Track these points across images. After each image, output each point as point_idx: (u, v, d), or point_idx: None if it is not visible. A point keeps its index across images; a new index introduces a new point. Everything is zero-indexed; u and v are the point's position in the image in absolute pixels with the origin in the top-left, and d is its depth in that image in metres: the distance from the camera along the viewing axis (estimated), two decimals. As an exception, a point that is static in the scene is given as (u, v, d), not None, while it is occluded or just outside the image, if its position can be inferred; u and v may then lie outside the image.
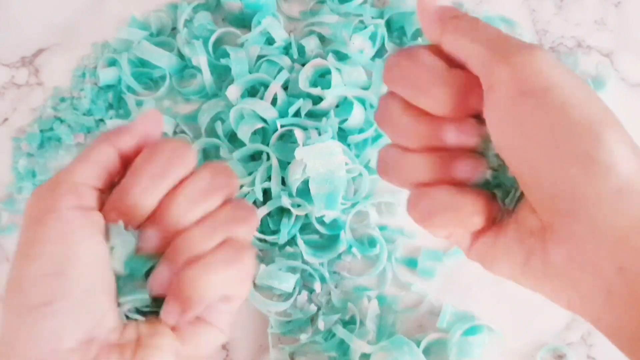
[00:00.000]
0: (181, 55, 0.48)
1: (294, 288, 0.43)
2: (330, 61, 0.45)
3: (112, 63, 0.48)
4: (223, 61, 0.47)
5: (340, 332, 0.42)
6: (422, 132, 0.28)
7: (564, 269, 0.25)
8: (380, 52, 0.48)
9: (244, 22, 0.49)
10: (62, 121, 0.47)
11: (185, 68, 0.48)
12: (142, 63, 0.48)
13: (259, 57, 0.47)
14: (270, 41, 0.48)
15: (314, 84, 0.46)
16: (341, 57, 0.46)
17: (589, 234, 0.24)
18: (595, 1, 0.50)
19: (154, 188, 0.28)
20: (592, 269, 0.24)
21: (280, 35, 0.47)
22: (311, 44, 0.47)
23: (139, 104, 0.47)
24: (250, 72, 0.46)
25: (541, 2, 0.50)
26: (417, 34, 0.48)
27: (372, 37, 0.47)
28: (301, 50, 0.47)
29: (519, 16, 0.49)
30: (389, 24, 0.48)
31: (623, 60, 0.49)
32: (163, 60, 0.47)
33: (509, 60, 0.25)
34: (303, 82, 0.45)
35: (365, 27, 0.47)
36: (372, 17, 0.48)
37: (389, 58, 0.29)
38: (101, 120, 0.47)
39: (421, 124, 0.28)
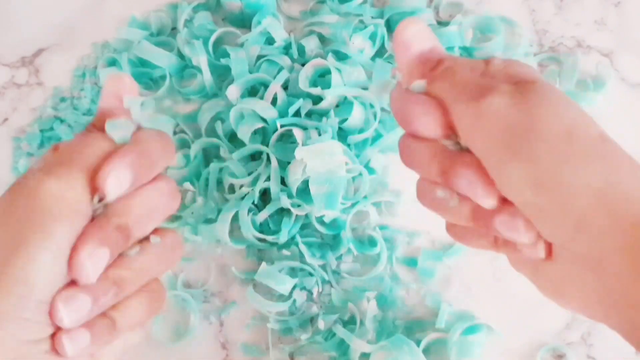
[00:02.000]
0: (181, 55, 0.48)
1: (293, 289, 0.43)
2: (330, 61, 0.45)
3: (112, 63, 0.48)
4: (223, 61, 0.47)
5: (340, 331, 0.42)
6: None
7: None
8: (380, 52, 0.48)
9: (244, 22, 0.49)
10: (62, 121, 0.47)
11: (185, 68, 0.48)
12: (142, 63, 0.48)
13: (259, 57, 0.47)
14: (270, 41, 0.48)
15: (314, 84, 0.46)
16: (341, 57, 0.46)
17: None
18: (595, 1, 0.50)
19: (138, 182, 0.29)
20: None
21: (280, 35, 0.47)
22: (311, 44, 0.47)
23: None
24: (250, 72, 0.46)
25: (541, 2, 0.50)
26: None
27: (372, 37, 0.47)
28: (301, 50, 0.47)
29: (519, 16, 0.49)
30: (389, 24, 0.48)
31: (623, 60, 0.49)
32: (163, 60, 0.47)
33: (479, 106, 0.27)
34: (303, 82, 0.45)
35: (365, 27, 0.47)
36: (372, 17, 0.48)
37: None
38: (101, 120, 0.47)
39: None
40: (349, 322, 0.43)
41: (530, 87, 0.27)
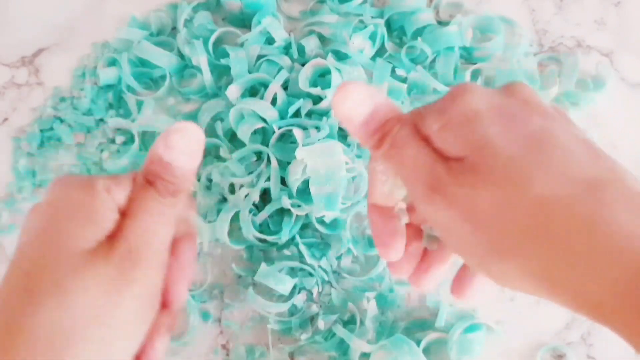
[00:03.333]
0: (181, 55, 0.48)
1: (293, 289, 0.43)
2: (330, 61, 0.45)
3: (112, 63, 0.48)
4: (223, 61, 0.47)
5: (340, 331, 0.42)
6: None
7: None
8: (380, 52, 0.48)
9: (244, 21, 0.49)
10: (62, 121, 0.47)
11: (185, 68, 0.48)
12: (142, 63, 0.48)
13: (259, 57, 0.47)
14: (270, 41, 0.48)
15: (314, 84, 0.46)
16: (341, 57, 0.46)
17: None
18: (595, 1, 0.50)
19: None
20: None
21: (280, 35, 0.47)
22: (311, 44, 0.47)
23: (139, 103, 0.47)
24: (250, 72, 0.46)
25: (541, 2, 0.50)
26: (417, 33, 0.48)
27: (372, 37, 0.47)
28: (301, 50, 0.47)
29: (519, 16, 0.49)
30: (388, 24, 0.48)
31: (623, 60, 0.49)
32: (163, 60, 0.47)
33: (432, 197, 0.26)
34: (303, 81, 0.45)
35: (365, 27, 0.47)
36: (372, 17, 0.48)
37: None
38: (101, 119, 0.47)
39: None
40: (349, 322, 0.43)
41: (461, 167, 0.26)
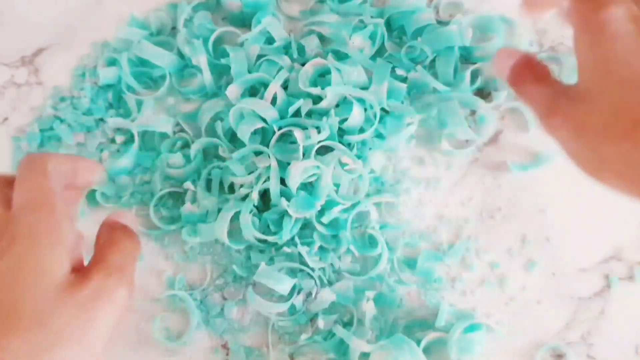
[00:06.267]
0: (181, 55, 0.48)
1: (292, 290, 0.43)
2: (330, 61, 0.45)
3: (112, 62, 0.48)
4: (223, 61, 0.47)
5: (340, 331, 0.42)
6: None
7: None
8: (380, 52, 0.48)
9: (244, 21, 0.49)
10: (62, 120, 0.47)
11: (185, 67, 0.48)
12: (142, 62, 0.48)
13: (259, 56, 0.47)
14: (270, 41, 0.48)
15: (313, 84, 0.46)
16: (341, 56, 0.46)
17: None
18: (595, 1, 0.50)
19: None
20: None
21: (280, 35, 0.47)
22: (311, 44, 0.47)
23: (139, 103, 0.47)
24: (250, 72, 0.46)
25: (541, 2, 0.49)
26: (417, 33, 0.48)
27: (372, 37, 0.47)
28: (301, 49, 0.47)
29: (519, 16, 0.49)
30: (388, 23, 0.48)
31: (623, 60, 0.48)
32: (163, 59, 0.47)
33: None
34: (303, 81, 0.45)
35: (365, 27, 0.47)
36: (372, 17, 0.48)
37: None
38: (101, 119, 0.47)
39: None
40: (349, 323, 0.43)
41: None
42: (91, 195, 0.46)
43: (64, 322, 0.26)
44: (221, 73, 0.48)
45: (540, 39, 0.49)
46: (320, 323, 0.43)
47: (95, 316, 0.27)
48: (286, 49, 0.48)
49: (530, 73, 0.32)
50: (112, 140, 0.47)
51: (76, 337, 0.26)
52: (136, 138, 0.46)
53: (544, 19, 0.49)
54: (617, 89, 0.28)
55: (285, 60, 0.46)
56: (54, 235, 0.27)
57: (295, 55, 0.47)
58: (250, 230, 0.42)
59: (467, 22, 0.48)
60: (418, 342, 0.42)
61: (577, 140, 0.29)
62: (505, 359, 0.44)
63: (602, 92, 0.28)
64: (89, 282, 0.27)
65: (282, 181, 0.44)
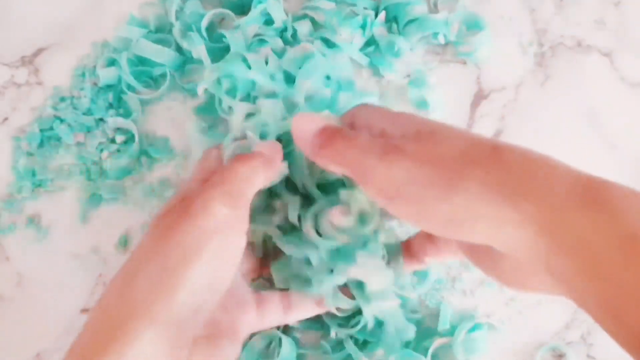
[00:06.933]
0: (180, 50, 0.48)
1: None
2: (317, 46, 0.44)
3: (112, 62, 0.48)
4: (221, 46, 0.46)
5: (350, 347, 0.41)
6: None
7: None
8: (370, 42, 0.48)
9: (242, 7, 0.48)
10: (62, 120, 0.47)
11: (185, 63, 0.48)
12: (142, 61, 0.48)
13: (256, 35, 0.46)
14: (268, 22, 0.47)
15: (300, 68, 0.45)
16: (330, 45, 0.46)
17: None
18: (595, 1, 0.50)
19: None
20: None
21: (280, 17, 0.46)
22: (304, 28, 0.47)
23: (140, 102, 0.47)
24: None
25: (541, 2, 0.50)
26: (409, 25, 0.47)
27: (363, 26, 0.47)
28: (295, 33, 0.47)
29: (519, 16, 0.49)
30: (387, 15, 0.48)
31: (623, 60, 0.49)
32: (162, 56, 0.46)
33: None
34: (288, 64, 0.44)
35: (356, 17, 0.47)
36: (365, 8, 0.47)
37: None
38: (101, 119, 0.47)
39: None
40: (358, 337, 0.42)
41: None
42: (91, 195, 0.46)
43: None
44: (220, 59, 0.46)
45: (540, 38, 0.49)
46: (333, 333, 0.42)
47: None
48: (282, 32, 0.47)
49: (340, 140, 0.31)
50: (112, 140, 0.47)
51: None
52: (136, 138, 0.46)
53: (540, 19, 0.49)
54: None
55: (277, 43, 0.45)
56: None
57: (290, 38, 0.46)
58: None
59: (455, 16, 0.48)
60: (425, 351, 0.41)
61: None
62: (506, 358, 0.44)
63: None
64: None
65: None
